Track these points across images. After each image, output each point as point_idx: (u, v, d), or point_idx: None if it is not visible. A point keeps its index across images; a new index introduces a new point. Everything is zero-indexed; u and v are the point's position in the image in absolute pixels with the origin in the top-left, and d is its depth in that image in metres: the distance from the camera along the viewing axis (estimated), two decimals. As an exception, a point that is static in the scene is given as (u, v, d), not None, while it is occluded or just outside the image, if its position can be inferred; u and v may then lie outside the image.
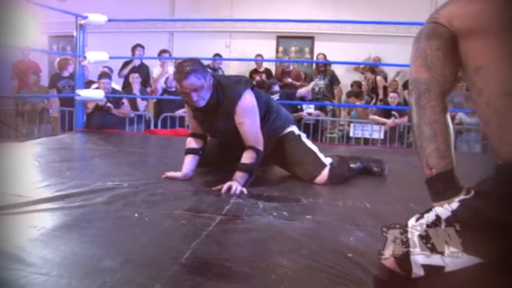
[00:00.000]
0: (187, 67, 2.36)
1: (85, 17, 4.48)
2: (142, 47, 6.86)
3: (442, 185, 1.11)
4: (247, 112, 2.50)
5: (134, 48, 6.84)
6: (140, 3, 7.99)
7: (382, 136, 5.87)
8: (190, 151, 2.65)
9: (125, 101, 5.50)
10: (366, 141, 5.90)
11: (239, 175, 2.41)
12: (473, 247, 1.00)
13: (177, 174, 2.59)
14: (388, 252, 1.05)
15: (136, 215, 1.86)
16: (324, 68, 7.47)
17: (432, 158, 1.12)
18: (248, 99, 2.52)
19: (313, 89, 6.94)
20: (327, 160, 2.68)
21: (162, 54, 7.02)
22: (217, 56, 7.27)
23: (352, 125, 6.10)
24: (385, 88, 7.25)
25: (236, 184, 2.33)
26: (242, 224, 1.81)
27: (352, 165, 2.85)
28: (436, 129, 1.12)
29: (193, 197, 2.20)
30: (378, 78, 7.34)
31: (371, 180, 2.82)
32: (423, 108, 1.14)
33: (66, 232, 1.63)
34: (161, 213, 1.90)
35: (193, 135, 2.70)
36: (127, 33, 7.60)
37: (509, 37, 1.05)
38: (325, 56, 7.52)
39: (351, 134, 6.06)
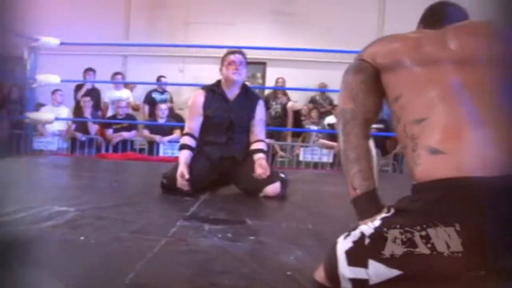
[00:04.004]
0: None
1: (36, 39, 4.45)
2: (93, 71, 6.83)
3: (366, 204, 1.21)
4: (264, 111, 3.21)
5: (85, 72, 6.82)
6: (95, 26, 7.96)
7: (331, 160, 6.04)
8: (186, 147, 2.98)
9: None
10: (315, 164, 6.05)
11: (262, 155, 2.99)
12: (394, 260, 1.10)
13: (182, 169, 2.83)
14: (388, 252, 1.10)
15: (81, 238, 1.87)
16: (282, 93, 7.63)
17: (356, 180, 1.22)
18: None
19: (270, 113, 7.06)
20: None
21: (116, 76, 7.02)
22: (161, 78, 7.32)
23: (302, 149, 6.24)
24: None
25: (265, 164, 2.92)
26: (186, 246, 1.85)
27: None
28: (360, 153, 1.23)
29: (140, 220, 2.21)
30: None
31: (317, 203, 2.93)
32: (348, 135, 1.25)
33: (9, 255, 1.63)
34: (107, 236, 1.91)
35: (189, 134, 3.02)
36: (81, 56, 7.55)
37: (417, 71, 1.20)
38: (284, 81, 7.66)
39: (301, 158, 6.21)
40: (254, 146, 3.05)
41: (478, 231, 1.01)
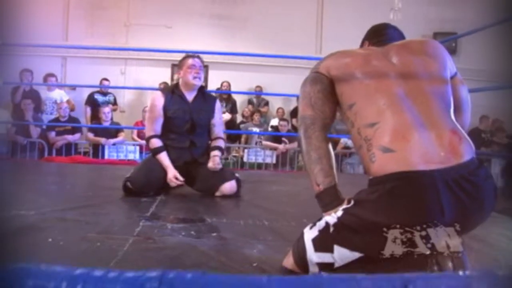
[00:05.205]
0: None
1: (-27, 40, 4.33)
2: (30, 71, 6.64)
3: (328, 198, 1.40)
4: (221, 111, 3.43)
5: (21, 72, 6.61)
6: (32, 26, 7.71)
7: (274, 161, 6.25)
8: (162, 148, 3.08)
9: None
10: (259, 165, 6.24)
11: (217, 152, 3.14)
12: (355, 244, 1.28)
13: (175, 176, 3.00)
14: (388, 251, 1.23)
15: (49, 240, 1.91)
16: (227, 96, 7.77)
17: (319, 177, 1.40)
18: None
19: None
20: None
21: (48, 78, 6.86)
22: (105, 80, 7.29)
23: (246, 150, 6.42)
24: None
25: (218, 160, 3.09)
26: (154, 244, 1.95)
27: None
28: (321, 154, 1.41)
29: (104, 221, 2.28)
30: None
31: (268, 201, 3.09)
32: (310, 138, 1.44)
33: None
34: (75, 237, 1.97)
35: (156, 136, 3.11)
36: (18, 56, 7.30)
37: (368, 82, 1.41)
38: (229, 85, 7.80)
39: (245, 159, 6.38)
40: (213, 143, 3.22)
41: (422, 211, 1.23)
